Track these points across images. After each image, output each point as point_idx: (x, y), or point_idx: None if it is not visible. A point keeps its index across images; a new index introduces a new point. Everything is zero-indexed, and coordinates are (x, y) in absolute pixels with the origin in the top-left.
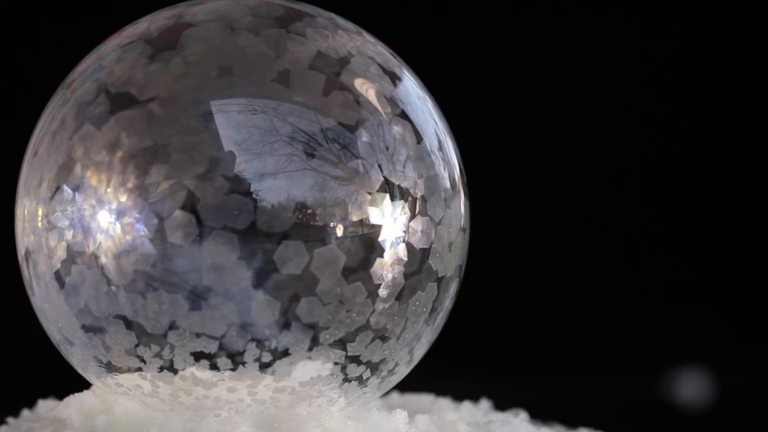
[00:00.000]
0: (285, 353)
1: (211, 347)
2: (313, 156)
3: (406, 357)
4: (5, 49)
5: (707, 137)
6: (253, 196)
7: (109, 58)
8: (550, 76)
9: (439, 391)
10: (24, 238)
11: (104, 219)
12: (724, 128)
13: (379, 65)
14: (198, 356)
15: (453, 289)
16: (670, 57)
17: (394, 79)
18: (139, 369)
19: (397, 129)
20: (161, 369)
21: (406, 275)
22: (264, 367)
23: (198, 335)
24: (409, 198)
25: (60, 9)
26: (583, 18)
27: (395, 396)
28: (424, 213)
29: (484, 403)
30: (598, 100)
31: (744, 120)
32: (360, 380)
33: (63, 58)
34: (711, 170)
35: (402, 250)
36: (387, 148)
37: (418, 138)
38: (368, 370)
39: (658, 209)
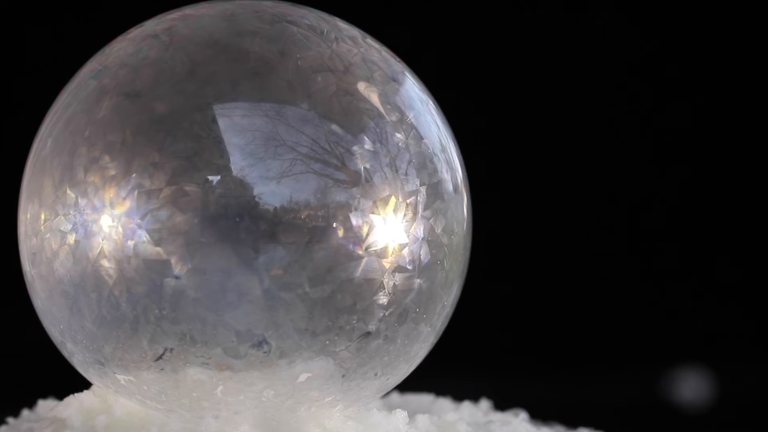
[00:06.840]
0: (285, 357)
1: (213, 351)
2: (315, 160)
3: (407, 361)
4: (8, 50)
5: (709, 138)
6: (256, 200)
7: (114, 61)
8: (556, 77)
9: (439, 391)
10: (27, 241)
11: (106, 223)
12: (723, 129)
13: (383, 70)
14: (199, 359)
15: (455, 293)
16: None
17: (398, 84)
18: (141, 370)
19: (399, 134)
20: (162, 369)
21: (408, 282)
22: (264, 370)
23: (199, 339)
24: (412, 203)
25: (66, 9)
26: (589, 18)
27: (395, 396)
28: (426, 219)
29: (484, 403)
30: (604, 104)
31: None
32: (360, 384)
33: (68, 60)
34: (711, 170)
35: (404, 257)
36: (389, 154)
37: (421, 143)
38: (368, 373)
39: (657, 210)
